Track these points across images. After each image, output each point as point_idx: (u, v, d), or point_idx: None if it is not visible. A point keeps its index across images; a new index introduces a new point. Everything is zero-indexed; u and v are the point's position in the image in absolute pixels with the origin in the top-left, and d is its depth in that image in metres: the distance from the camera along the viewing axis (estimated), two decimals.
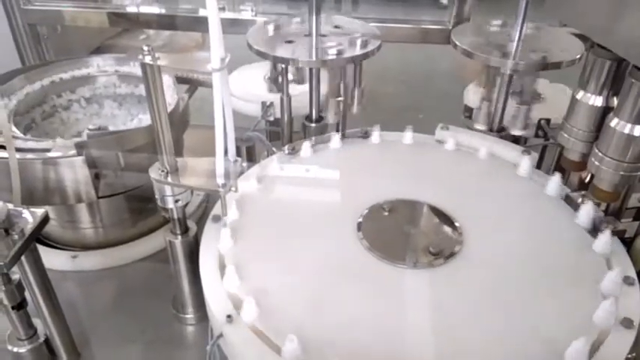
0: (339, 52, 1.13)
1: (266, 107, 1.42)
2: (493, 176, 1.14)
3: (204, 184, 0.89)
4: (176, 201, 0.93)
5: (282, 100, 1.29)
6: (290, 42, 1.21)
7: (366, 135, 1.26)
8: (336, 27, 1.29)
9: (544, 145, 1.41)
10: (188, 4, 1.84)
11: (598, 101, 0.91)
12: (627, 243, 0.96)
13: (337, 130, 1.26)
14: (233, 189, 0.89)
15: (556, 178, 1.02)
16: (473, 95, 1.46)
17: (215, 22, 0.74)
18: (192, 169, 0.92)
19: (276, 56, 1.12)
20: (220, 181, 0.86)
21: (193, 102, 1.41)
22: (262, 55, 1.14)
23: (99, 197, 1.16)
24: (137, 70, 1.46)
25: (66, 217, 1.25)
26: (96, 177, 1.13)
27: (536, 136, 1.39)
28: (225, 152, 0.85)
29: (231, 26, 1.69)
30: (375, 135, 1.24)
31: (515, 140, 1.38)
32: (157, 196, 0.93)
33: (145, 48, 0.78)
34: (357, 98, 1.21)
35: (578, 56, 1.08)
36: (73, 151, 1.08)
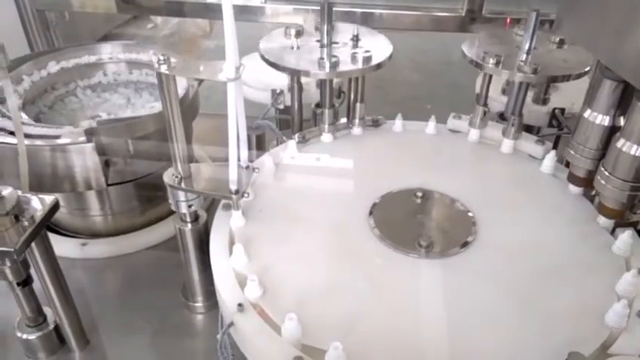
0: (352, 62, 1.12)
1: (276, 95, 1.40)
2: (508, 168, 1.12)
3: (218, 190, 0.90)
4: (189, 206, 0.95)
5: (292, 87, 1.28)
6: (299, 49, 1.19)
7: (376, 124, 1.25)
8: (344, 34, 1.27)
9: (557, 135, 1.39)
10: None
11: (605, 120, 0.91)
12: None
13: (348, 118, 1.24)
14: (246, 195, 0.90)
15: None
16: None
17: (230, 31, 0.73)
18: (205, 175, 0.93)
19: (287, 67, 1.11)
20: (233, 187, 0.86)
21: (201, 90, 1.40)
22: (275, 67, 1.13)
23: (108, 185, 1.16)
24: (146, 57, 1.45)
25: (75, 204, 1.25)
26: (105, 164, 1.13)
27: (550, 125, 1.37)
28: (238, 158, 0.85)
29: (241, 13, 1.67)
30: (388, 124, 1.24)
31: (529, 129, 1.36)
32: (170, 201, 0.94)
33: (161, 57, 0.78)
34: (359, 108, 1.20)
35: (587, 69, 1.07)
36: (83, 138, 1.07)
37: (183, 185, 0.91)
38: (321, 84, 1.20)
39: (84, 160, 1.09)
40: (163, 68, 0.79)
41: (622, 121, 0.89)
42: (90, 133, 1.08)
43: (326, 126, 1.18)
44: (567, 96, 1.40)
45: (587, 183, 0.98)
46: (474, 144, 1.19)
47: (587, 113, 0.92)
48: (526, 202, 1.02)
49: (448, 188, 1.03)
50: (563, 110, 1.34)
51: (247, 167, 0.93)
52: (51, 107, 1.40)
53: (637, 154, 0.83)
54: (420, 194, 1.01)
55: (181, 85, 1.26)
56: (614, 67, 0.83)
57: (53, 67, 1.38)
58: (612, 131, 0.90)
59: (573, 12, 0.90)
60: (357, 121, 1.21)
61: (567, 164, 1.03)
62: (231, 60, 0.76)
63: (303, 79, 1.32)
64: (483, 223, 0.95)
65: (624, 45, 0.78)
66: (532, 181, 1.08)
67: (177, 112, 0.85)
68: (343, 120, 1.25)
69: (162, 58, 0.79)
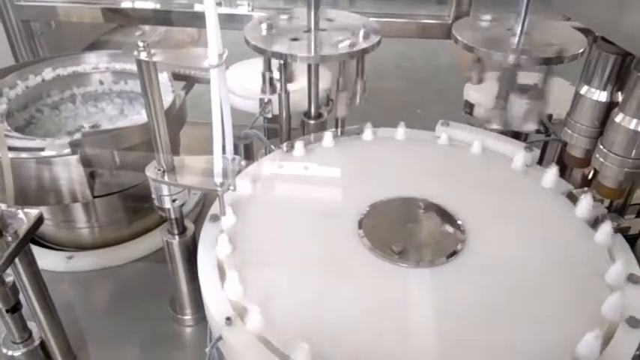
0: (341, 46, 1.11)
1: (264, 104, 1.40)
2: (493, 172, 1.12)
3: (202, 183, 0.87)
4: (173, 200, 0.91)
5: (279, 96, 1.27)
6: (288, 37, 1.19)
7: (361, 132, 1.24)
8: (330, 20, 1.27)
9: (545, 141, 1.39)
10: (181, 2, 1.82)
11: (602, 96, 0.89)
12: (632, 240, 0.95)
13: (337, 127, 1.24)
14: (231, 188, 0.87)
15: (553, 171, 1.01)
16: (473, 91, 1.44)
17: (212, 17, 0.71)
18: (190, 168, 0.90)
19: (275, 52, 1.10)
20: (218, 180, 0.84)
21: (190, 99, 1.39)
22: (259, 51, 1.12)
23: (94, 197, 1.14)
24: (132, 67, 1.43)
25: (61, 216, 1.23)
26: (91, 176, 1.11)
27: (537, 131, 1.38)
28: (223, 150, 0.83)
29: (228, 22, 1.67)
30: (376, 132, 1.23)
31: (516, 135, 1.36)
32: (153, 196, 0.91)
33: (140, 44, 0.76)
34: (359, 92, 1.18)
35: (581, 50, 1.07)
36: (68, 150, 1.06)
37: (166, 178, 0.88)
38: (307, 71, 1.18)
39: (69, 173, 1.07)
40: (143, 55, 0.76)
41: (620, 97, 0.88)
42: (75, 145, 1.06)
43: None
44: (553, 102, 1.41)
45: (584, 163, 0.97)
46: (461, 150, 1.18)
47: (583, 89, 0.91)
48: (514, 208, 1.01)
49: (438, 196, 1.02)
50: (550, 116, 1.34)
51: (233, 159, 0.89)
52: (36, 118, 1.38)
53: (636, 129, 0.81)
54: (411, 203, 1.01)
55: (167, 95, 1.25)
56: (612, 37, 0.81)
57: (38, 77, 1.36)
58: (610, 108, 0.88)
59: None
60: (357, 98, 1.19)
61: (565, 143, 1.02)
62: (214, 47, 0.74)
63: (291, 87, 1.32)
64: (472, 230, 0.95)
65: (622, 15, 0.77)
66: (521, 187, 1.07)
67: (159, 100, 0.81)
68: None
69: (142, 45, 0.76)
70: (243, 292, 0.81)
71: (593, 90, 0.90)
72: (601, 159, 0.88)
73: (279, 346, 0.73)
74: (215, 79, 0.76)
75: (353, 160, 1.16)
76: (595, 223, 0.93)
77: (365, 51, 1.11)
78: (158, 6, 1.77)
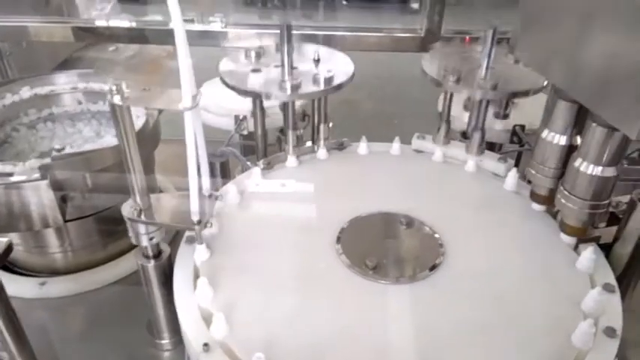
0: (313, 84, 1.12)
1: (239, 121, 1.39)
2: (473, 187, 1.13)
3: (180, 221, 0.87)
4: (150, 239, 0.91)
5: (255, 113, 1.27)
6: (260, 71, 1.18)
7: (342, 147, 1.24)
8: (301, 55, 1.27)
9: (519, 151, 1.41)
10: (157, 16, 1.80)
11: (562, 140, 0.93)
12: (605, 248, 0.96)
13: (313, 142, 1.24)
14: (209, 225, 0.87)
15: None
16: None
17: (185, 61, 0.71)
18: (167, 206, 0.90)
19: (248, 91, 1.10)
20: (195, 217, 0.84)
21: (165, 115, 1.37)
22: (235, 90, 1.11)
23: (66, 220, 1.12)
24: (103, 86, 1.41)
25: (32, 242, 1.20)
26: (62, 200, 1.09)
27: (512, 142, 1.40)
28: (199, 187, 0.83)
29: (201, 38, 1.66)
30: (353, 146, 1.24)
31: (491, 147, 1.38)
32: (130, 234, 0.90)
33: (113, 87, 0.75)
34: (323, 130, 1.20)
35: (545, 84, 1.10)
36: (37, 175, 1.03)
37: (143, 217, 0.88)
38: (284, 107, 1.19)
39: (39, 198, 1.04)
40: (117, 99, 0.76)
41: (579, 140, 0.91)
42: (44, 169, 1.04)
43: (290, 148, 1.17)
44: (527, 113, 1.43)
45: (549, 201, 0.99)
46: (438, 164, 1.20)
47: (544, 133, 0.94)
48: (491, 222, 1.02)
49: (415, 211, 1.02)
50: (523, 127, 1.36)
51: (210, 196, 0.90)
52: (4, 142, 1.35)
53: (594, 174, 0.84)
54: (387, 218, 1.01)
55: (140, 117, 1.23)
56: (567, 89, 0.85)
57: (6, 99, 1.33)
58: (570, 150, 0.92)
59: (526, 36, 0.92)
60: (321, 142, 1.20)
61: (530, 181, 1.05)
62: (187, 88, 0.74)
63: (266, 104, 1.31)
64: (450, 245, 0.95)
65: (575, 68, 0.79)
66: (496, 199, 1.09)
67: (133, 143, 0.81)
68: (309, 143, 1.24)
69: (115, 88, 0.76)
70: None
71: (552, 134, 0.93)
72: (563, 200, 0.90)
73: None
74: (189, 121, 0.76)
75: (329, 176, 1.16)
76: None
77: (340, 86, 1.12)
78: (133, 24, 1.75)
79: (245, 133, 1.40)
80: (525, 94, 1.09)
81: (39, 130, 1.41)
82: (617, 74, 0.71)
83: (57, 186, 1.05)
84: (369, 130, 1.25)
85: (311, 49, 1.23)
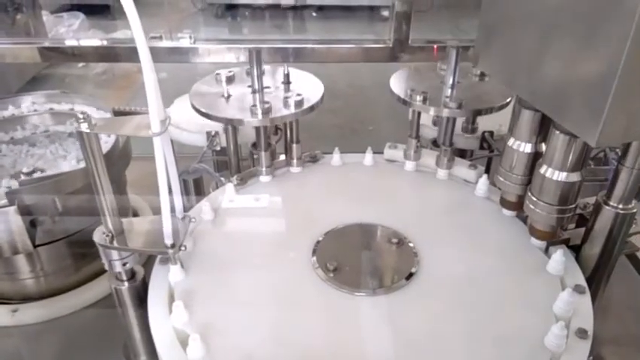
0: (284, 107, 1.12)
1: (211, 137, 1.38)
2: (445, 195, 1.15)
3: (153, 245, 0.86)
4: (124, 264, 0.89)
5: (226, 129, 1.26)
6: (230, 96, 1.17)
7: (315, 159, 1.25)
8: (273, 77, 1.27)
9: (489, 157, 1.43)
10: (127, 30, 1.78)
11: (528, 148, 0.95)
12: (574, 249, 0.98)
13: (286, 154, 1.24)
14: (183, 248, 0.87)
15: None
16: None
17: (152, 87, 0.71)
18: (139, 230, 0.89)
19: (219, 117, 1.10)
20: (169, 241, 0.84)
21: None
22: (208, 118, 1.11)
23: (37, 245, 1.10)
24: (70, 107, 1.40)
25: (2, 268, 1.17)
26: (32, 225, 1.07)
27: (481, 148, 1.42)
28: (172, 210, 0.82)
29: (171, 54, 1.64)
30: (326, 158, 1.24)
31: (462, 153, 1.40)
32: (103, 260, 0.89)
33: (80, 115, 0.75)
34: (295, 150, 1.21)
35: (509, 100, 1.12)
36: (4, 201, 1.01)
37: (115, 243, 0.87)
38: (255, 128, 1.19)
39: (7, 225, 1.02)
40: (84, 127, 0.76)
41: (544, 147, 0.93)
42: (12, 194, 1.02)
43: (263, 169, 1.17)
44: (495, 118, 1.46)
45: (518, 206, 1.01)
46: (411, 173, 1.21)
47: (510, 142, 0.96)
48: (464, 228, 1.04)
49: (389, 221, 1.03)
50: (492, 133, 1.39)
51: (183, 218, 0.90)
52: None
53: (559, 180, 0.87)
54: (363, 229, 1.02)
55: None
56: (529, 99, 0.87)
57: None
58: (536, 157, 0.94)
59: (488, 48, 0.94)
60: (294, 161, 1.21)
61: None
62: (155, 114, 0.74)
63: None
64: (425, 253, 0.96)
65: (536, 79, 0.82)
66: (468, 206, 1.10)
67: (102, 169, 0.80)
68: (282, 157, 1.24)
69: (82, 116, 0.76)
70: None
71: (518, 142, 0.95)
72: (531, 206, 0.93)
73: None
74: (159, 147, 0.76)
75: (301, 189, 1.17)
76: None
77: (312, 108, 1.13)
78: (103, 42, 1.72)
79: (218, 148, 1.40)
80: (490, 110, 1.12)
81: (4, 152, 1.38)
82: (575, 85, 0.73)
83: (26, 211, 1.04)
84: (346, 137, 1.26)
85: (280, 71, 1.24)
